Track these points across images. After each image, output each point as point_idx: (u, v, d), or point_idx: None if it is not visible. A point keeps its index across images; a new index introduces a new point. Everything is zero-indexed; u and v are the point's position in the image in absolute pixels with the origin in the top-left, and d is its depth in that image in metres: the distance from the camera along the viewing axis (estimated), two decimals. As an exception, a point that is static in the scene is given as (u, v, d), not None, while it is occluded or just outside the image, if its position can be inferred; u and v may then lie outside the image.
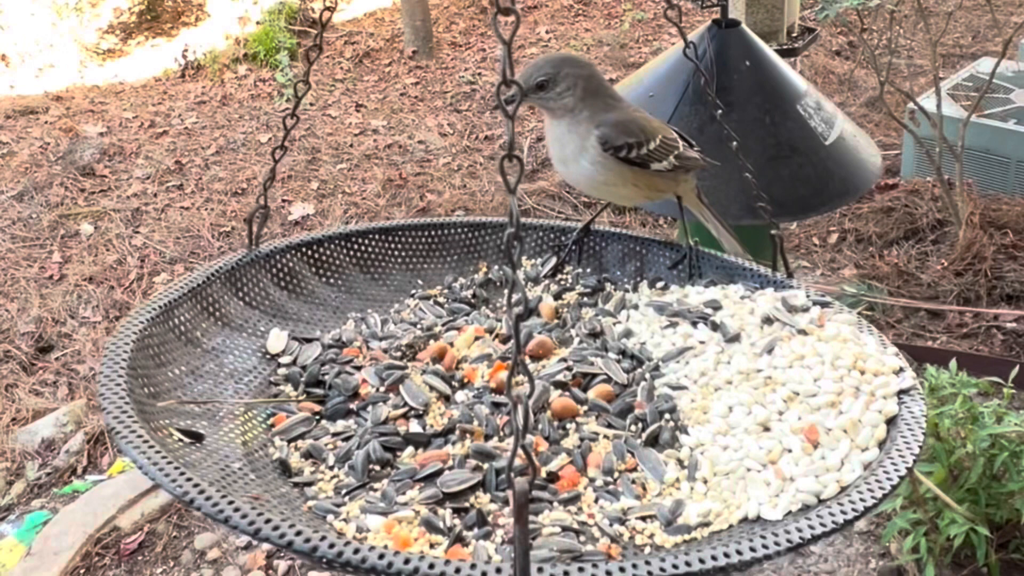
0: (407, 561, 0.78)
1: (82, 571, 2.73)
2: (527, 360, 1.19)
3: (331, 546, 0.80)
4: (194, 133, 5.53)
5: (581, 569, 0.77)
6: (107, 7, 7.02)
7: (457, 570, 0.77)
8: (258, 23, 6.58)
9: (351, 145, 5.39)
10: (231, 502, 0.86)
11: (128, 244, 4.49)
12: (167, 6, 7.19)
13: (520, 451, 0.77)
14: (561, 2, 7.22)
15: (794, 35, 3.69)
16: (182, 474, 0.90)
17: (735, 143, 1.32)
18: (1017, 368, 2.43)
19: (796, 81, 2.22)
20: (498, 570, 0.76)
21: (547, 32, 6.74)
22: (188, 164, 5.18)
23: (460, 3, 7.18)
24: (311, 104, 5.79)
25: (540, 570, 0.76)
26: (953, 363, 2.44)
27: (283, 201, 4.83)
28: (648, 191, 1.36)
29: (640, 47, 6.42)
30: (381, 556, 0.79)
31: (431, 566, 0.78)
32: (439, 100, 5.90)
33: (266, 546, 2.73)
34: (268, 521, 0.83)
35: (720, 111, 1.34)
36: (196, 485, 0.89)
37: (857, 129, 2.28)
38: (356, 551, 0.80)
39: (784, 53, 3.22)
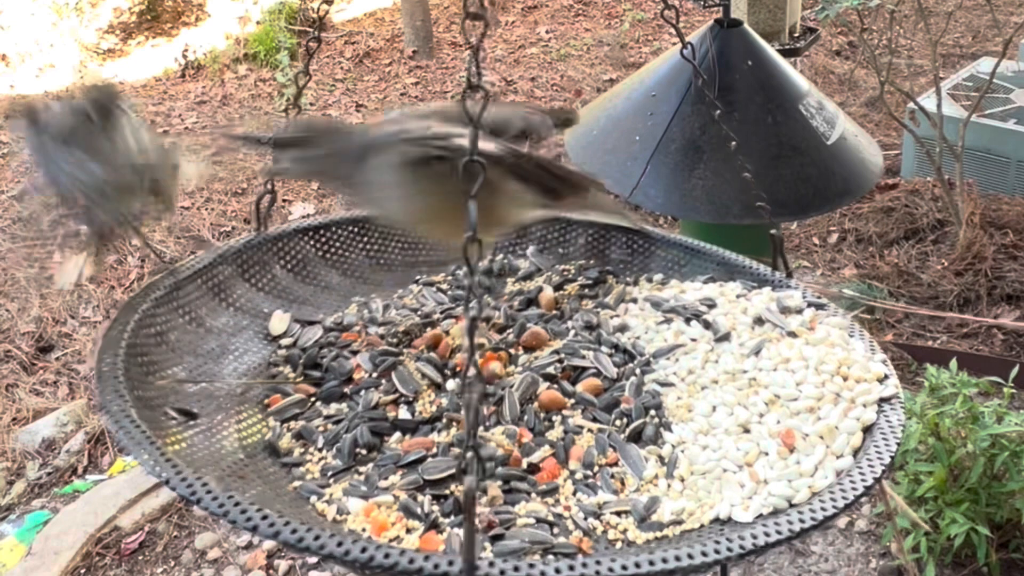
0: (364, 550, 0.79)
1: (83, 571, 2.73)
2: (519, 351, 1.19)
3: (293, 531, 0.81)
4: (194, 133, 5.53)
5: (532, 565, 0.77)
6: (107, 7, 7.02)
7: (411, 561, 0.78)
8: (258, 23, 6.58)
9: (351, 145, 5.38)
10: (204, 484, 0.86)
11: (128, 244, 4.49)
12: (167, 6, 7.19)
13: (473, 451, 0.78)
14: (561, 2, 7.21)
15: (796, 35, 3.69)
16: (161, 454, 0.90)
17: (733, 143, 1.31)
18: (1017, 368, 2.42)
19: (798, 81, 2.22)
20: (450, 563, 0.77)
21: (547, 32, 6.74)
22: (188, 164, 5.18)
23: (460, 3, 7.17)
24: (311, 104, 5.79)
25: (491, 564, 0.77)
26: (953, 363, 2.44)
27: (283, 201, 4.83)
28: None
29: (640, 47, 6.42)
30: (339, 544, 0.79)
31: (386, 556, 0.78)
32: (439, 100, 5.89)
33: (267, 545, 2.73)
34: (237, 504, 0.83)
35: (719, 111, 1.33)
36: (175, 466, 0.88)
37: (858, 129, 2.28)
38: (316, 537, 0.80)
39: (786, 53, 3.22)
